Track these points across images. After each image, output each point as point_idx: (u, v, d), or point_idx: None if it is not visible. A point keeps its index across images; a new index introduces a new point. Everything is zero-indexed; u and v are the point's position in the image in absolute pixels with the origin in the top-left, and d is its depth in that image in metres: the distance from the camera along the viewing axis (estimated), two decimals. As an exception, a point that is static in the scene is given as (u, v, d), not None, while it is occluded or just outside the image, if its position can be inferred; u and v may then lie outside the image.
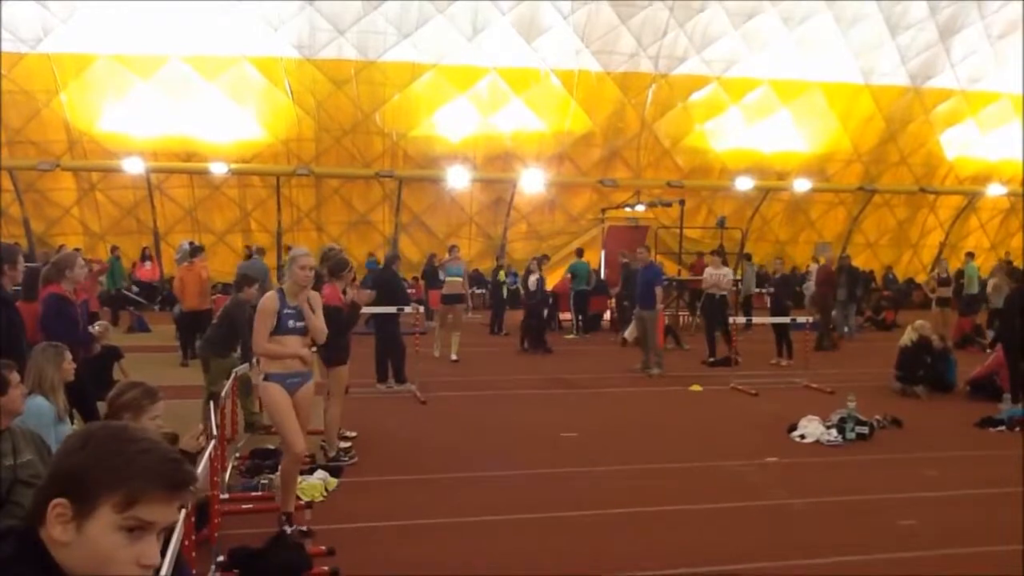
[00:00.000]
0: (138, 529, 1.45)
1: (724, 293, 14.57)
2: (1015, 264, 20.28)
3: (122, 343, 13.28)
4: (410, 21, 21.31)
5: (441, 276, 15.53)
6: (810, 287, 22.44)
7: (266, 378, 5.86)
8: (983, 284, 17.20)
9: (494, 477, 7.53)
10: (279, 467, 6.34)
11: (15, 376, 4.33)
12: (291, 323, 5.88)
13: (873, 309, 21.63)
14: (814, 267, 18.09)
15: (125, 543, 1.45)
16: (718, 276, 14.59)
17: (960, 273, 18.54)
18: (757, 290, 20.34)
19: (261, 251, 17.49)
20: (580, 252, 19.74)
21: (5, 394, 4.23)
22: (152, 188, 22.70)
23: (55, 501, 1.44)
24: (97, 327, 9.48)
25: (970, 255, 19.72)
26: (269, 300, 5.89)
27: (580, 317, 18.69)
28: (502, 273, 19.77)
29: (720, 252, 15.66)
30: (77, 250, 10.27)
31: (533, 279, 16.18)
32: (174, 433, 4.84)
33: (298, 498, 6.29)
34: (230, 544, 5.51)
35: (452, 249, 15.69)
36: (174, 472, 1.50)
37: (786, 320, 14.43)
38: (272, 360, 5.87)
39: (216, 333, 9.26)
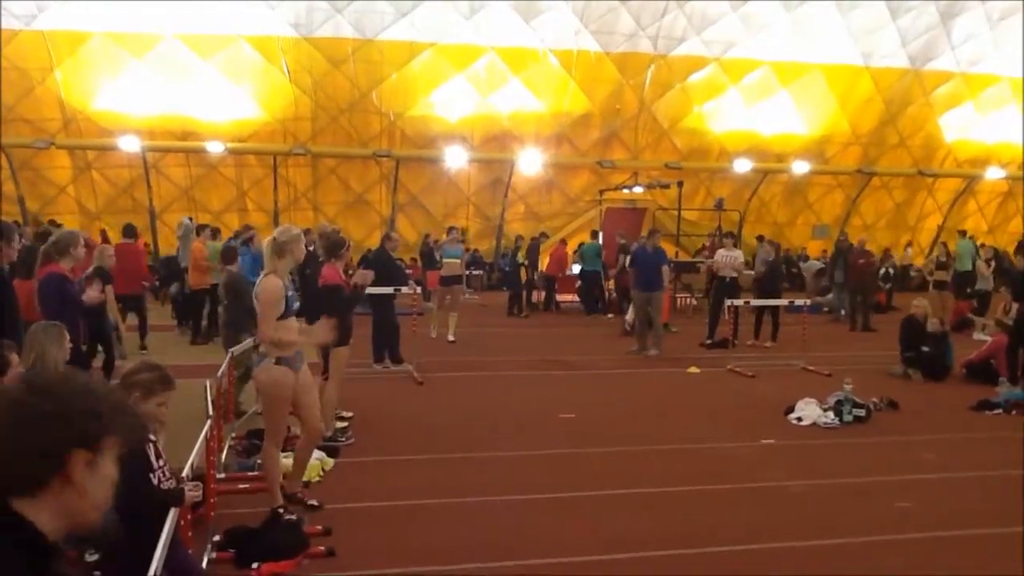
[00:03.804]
0: None
1: (735, 275, 14.53)
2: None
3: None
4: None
5: (438, 256, 15.53)
6: (810, 267, 22.50)
7: (278, 362, 5.62)
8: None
9: (491, 458, 7.52)
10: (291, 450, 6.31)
11: (15, 357, 4.31)
12: (295, 304, 5.76)
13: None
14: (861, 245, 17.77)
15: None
16: (731, 258, 14.55)
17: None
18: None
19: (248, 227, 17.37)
20: (595, 234, 19.72)
21: (4, 374, 4.21)
22: (148, 167, 22.58)
23: (81, 453, 1.47)
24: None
25: (962, 233, 19.67)
26: (277, 287, 5.59)
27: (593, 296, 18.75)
28: (521, 253, 19.65)
29: (733, 235, 15.68)
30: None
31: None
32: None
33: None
34: (226, 524, 5.51)
35: (451, 230, 15.69)
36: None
37: (780, 303, 14.46)
38: (281, 345, 5.65)
39: (233, 313, 9.26)
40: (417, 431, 8.42)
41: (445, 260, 14.91)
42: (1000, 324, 12.19)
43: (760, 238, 18.07)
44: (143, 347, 12.56)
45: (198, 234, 14.65)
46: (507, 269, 23.40)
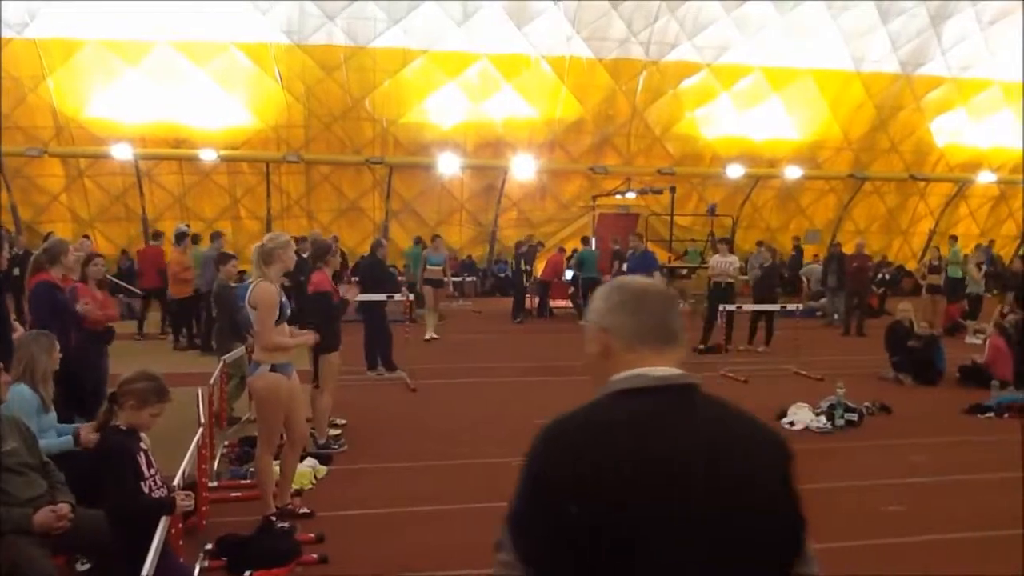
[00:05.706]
0: None
1: (731, 281, 14.58)
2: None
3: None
4: (400, 6, 21.14)
5: (421, 263, 15.97)
6: (810, 272, 22.54)
7: (273, 369, 5.63)
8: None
9: (485, 464, 7.51)
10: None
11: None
12: (288, 310, 5.77)
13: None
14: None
15: None
16: (726, 264, 14.61)
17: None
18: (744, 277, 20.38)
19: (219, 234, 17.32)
20: (586, 240, 19.79)
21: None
22: (141, 175, 22.54)
23: None
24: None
25: (953, 239, 19.73)
26: (272, 292, 5.58)
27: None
28: (522, 261, 19.73)
29: (728, 240, 15.75)
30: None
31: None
32: None
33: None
34: (219, 532, 5.50)
35: (434, 239, 16.23)
36: None
37: (774, 308, 14.52)
38: (276, 351, 5.65)
39: (225, 322, 9.26)
40: (410, 438, 8.42)
41: (428, 267, 15.37)
42: (998, 327, 12.17)
43: (760, 244, 18.15)
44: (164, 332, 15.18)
45: (179, 242, 14.60)
46: (502, 275, 23.48)
